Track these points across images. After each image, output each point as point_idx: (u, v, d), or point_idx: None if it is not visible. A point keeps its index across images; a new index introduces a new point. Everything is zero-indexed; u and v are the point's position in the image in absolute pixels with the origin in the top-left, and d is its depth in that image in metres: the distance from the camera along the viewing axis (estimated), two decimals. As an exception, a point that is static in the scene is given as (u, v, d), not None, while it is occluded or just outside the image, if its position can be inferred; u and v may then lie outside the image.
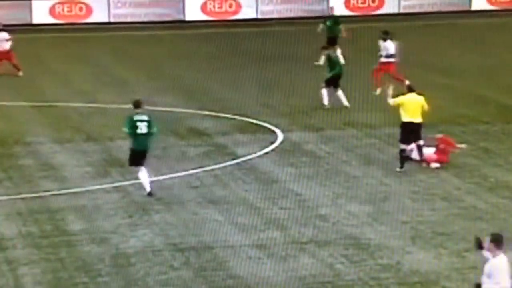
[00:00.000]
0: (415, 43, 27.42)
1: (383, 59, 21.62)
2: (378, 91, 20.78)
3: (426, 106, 15.84)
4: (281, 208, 14.09)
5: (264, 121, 19.41)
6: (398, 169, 15.63)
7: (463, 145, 16.46)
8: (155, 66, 26.21)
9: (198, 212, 14.00)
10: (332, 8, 27.56)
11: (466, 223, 13.31)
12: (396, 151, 16.13)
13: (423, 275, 11.60)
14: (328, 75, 20.35)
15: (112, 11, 33.71)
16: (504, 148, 17.17)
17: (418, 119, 15.73)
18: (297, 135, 18.44)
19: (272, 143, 17.82)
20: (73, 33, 32.27)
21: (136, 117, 14.75)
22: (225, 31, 31.62)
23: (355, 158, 16.71)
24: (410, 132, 15.64)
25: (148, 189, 14.59)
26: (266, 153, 17.17)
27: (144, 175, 14.61)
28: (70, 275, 11.73)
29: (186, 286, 11.41)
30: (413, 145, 15.91)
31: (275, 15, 33.77)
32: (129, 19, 33.56)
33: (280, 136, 18.31)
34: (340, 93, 20.23)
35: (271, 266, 11.90)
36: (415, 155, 15.99)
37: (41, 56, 28.05)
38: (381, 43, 21.73)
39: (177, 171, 16.04)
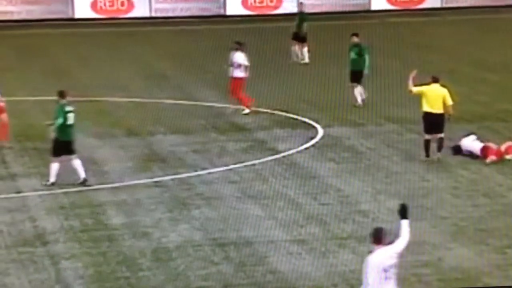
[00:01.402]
0: (458, 36, 27.16)
1: (236, 74, 19.36)
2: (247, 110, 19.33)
3: (448, 100, 15.77)
4: (321, 204, 14.15)
5: (304, 116, 19.46)
6: (423, 158, 15.67)
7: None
8: (195, 60, 26.41)
9: (238, 207, 14.13)
10: (302, 4, 26.48)
11: (509, 220, 13.20)
12: (435, 146, 16.12)
13: (464, 272, 11.56)
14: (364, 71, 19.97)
15: (154, 5, 34.02)
16: (547, 144, 16.95)
17: (438, 110, 15.75)
18: (337, 130, 18.44)
19: (312, 138, 17.86)
20: (114, 28, 32.65)
21: (66, 108, 15.01)
22: (266, 25, 31.69)
23: (396, 154, 16.67)
24: (431, 122, 15.72)
25: (83, 175, 14.89)
26: (306, 148, 17.22)
27: (78, 163, 14.95)
28: (112, 269, 11.94)
29: (226, 281, 11.54)
30: (468, 142, 15.96)
31: (316, 10, 33.73)
32: (170, 14, 33.86)
33: (320, 131, 18.34)
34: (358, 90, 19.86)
35: (311, 262, 11.97)
36: (472, 149, 15.98)
37: (82, 51, 28.46)
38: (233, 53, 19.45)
39: (217, 166, 16.18)
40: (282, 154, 16.81)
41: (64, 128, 15.08)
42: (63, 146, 15.10)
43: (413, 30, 30.12)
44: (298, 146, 17.27)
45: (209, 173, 15.85)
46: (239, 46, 19.99)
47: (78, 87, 23.18)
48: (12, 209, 14.24)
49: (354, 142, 17.63)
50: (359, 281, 11.45)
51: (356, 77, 20.02)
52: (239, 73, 19.81)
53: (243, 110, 19.79)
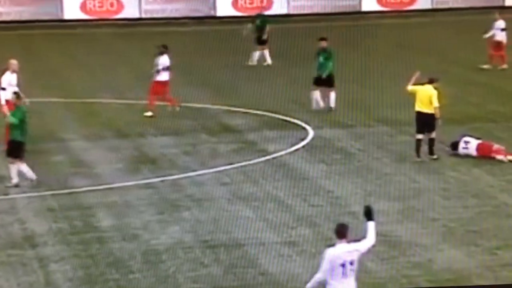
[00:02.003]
0: (448, 39, 27.28)
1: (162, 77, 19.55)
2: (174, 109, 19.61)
3: (434, 101, 15.94)
4: (312, 205, 14.17)
5: (295, 118, 19.49)
6: (415, 159, 15.80)
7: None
8: (186, 62, 26.41)
9: (228, 209, 14.14)
10: (262, 7, 26.78)
11: (499, 221, 13.27)
12: (427, 148, 16.19)
13: (455, 273, 11.61)
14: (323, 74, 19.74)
15: (144, 6, 34.00)
16: (537, 145, 17.06)
17: (428, 110, 15.93)
18: (328, 132, 18.49)
19: (302, 139, 17.89)
20: (104, 29, 32.61)
21: (23, 109, 15.17)
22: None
23: (386, 155, 16.72)
24: (422, 122, 15.97)
25: (33, 176, 14.95)
26: (297, 149, 17.25)
27: (25, 166, 15.04)
28: (101, 271, 11.92)
29: (216, 283, 11.55)
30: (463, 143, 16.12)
31: (307, 11, 33.80)
32: (160, 15, 33.84)
33: (311, 133, 18.37)
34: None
35: (301, 263, 11.99)
36: (469, 151, 16.09)
37: (72, 52, 28.41)
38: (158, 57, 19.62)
39: (208, 168, 16.19)
40: (272, 156, 16.84)
41: (22, 129, 15.11)
42: (22, 147, 15.11)
43: (404, 32, 30.22)
44: (289, 148, 17.30)
45: (200, 174, 15.85)
46: (165, 49, 20.23)
47: (67, 88, 23.16)
48: (0, 211, 14.20)
49: (344, 143, 17.67)
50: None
51: (323, 81, 19.87)
52: (165, 76, 20.03)
53: (147, 112, 19.75)
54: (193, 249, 12.57)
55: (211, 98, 21.53)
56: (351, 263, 9.10)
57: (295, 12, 34.13)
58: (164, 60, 20.13)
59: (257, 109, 20.34)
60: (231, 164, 16.36)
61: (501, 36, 23.74)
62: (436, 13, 33.54)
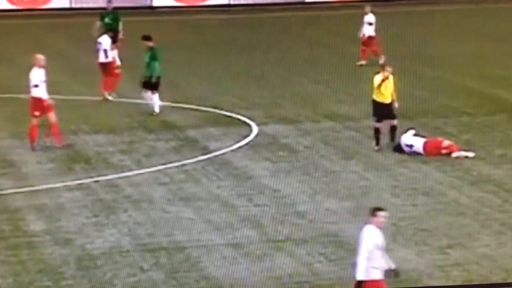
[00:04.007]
0: (396, 31, 27.68)
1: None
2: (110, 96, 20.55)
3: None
4: (257, 205, 14.21)
5: (238, 114, 19.51)
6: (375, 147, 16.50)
7: (470, 153, 16.37)
8: (122, 55, 26.16)
9: (169, 210, 14.07)
10: (111, 2, 24.88)
11: (449, 219, 13.52)
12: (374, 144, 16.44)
13: (405, 273, 11.77)
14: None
15: (74, -4, 33.57)
16: (487, 141, 17.45)
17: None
18: (272, 128, 18.56)
19: (246, 136, 17.92)
20: (32, 20, 32.08)
21: None
22: (192, 18, 31.67)
23: (334, 152, 16.88)
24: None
25: None
26: (240, 147, 17.27)
27: None
28: (32, 278, 11.74)
29: (156, 289, 11.49)
30: (408, 138, 16.44)
31: (244, 1, 33.81)
32: (91, 5, 33.42)
33: (255, 129, 18.42)
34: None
35: (246, 266, 12.01)
36: (415, 149, 16.40)
37: (-2, 45, 27.88)
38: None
39: (146, 167, 16.08)
40: (214, 154, 16.82)
41: None
42: None
43: (346, 24, 30.53)
44: (232, 145, 17.31)
45: (137, 174, 15.73)
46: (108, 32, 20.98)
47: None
48: None
49: (290, 140, 17.77)
50: (297, 285, 11.58)
51: (150, 83, 19.55)
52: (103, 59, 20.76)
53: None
54: (131, 253, 12.47)
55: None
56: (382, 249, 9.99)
57: (235, 2, 34.14)
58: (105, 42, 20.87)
59: (198, 105, 20.29)
60: (170, 162, 16.28)
61: (369, 31, 24.20)
62: (376, 3, 33.98)
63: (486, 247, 12.42)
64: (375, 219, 9.92)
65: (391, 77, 16.83)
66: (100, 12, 24.61)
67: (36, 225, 13.49)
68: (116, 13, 24.25)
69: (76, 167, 16.17)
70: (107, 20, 23.94)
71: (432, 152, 16.42)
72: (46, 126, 17.34)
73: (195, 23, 30.36)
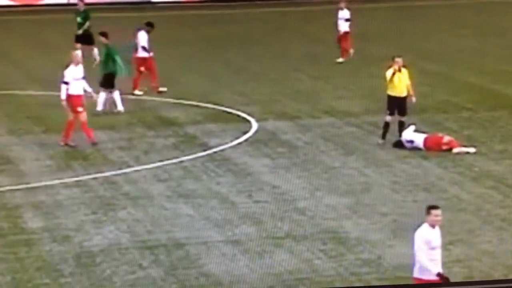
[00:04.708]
0: (395, 26, 27.67)
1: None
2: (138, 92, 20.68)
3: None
4: (256, 202, 14.22)
5: (237, 110, 19.52)
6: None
7: (471, 149, 16.40)
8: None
9: (168, 207, 14.08)
10: (80, 2, 24.83)
11: (450, 215, 13.52)
12: (376, 140, 16.41)
13: (406, 270, 11.77)
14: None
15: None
16: (488, 136, 17.46)
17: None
18: (272, 124, 18.57)
19: (245, 132, 17.93)
20: (29, 16, 32.07)
21: None
22: (191, 13, 31.64)
23: (334, 148, 16.89)
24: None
25: None
26: (240, 143, 17.28)
27: None
28: (30, 276, 11.75)
29: (155, 286, 11.49)
30: (409, 133, 16.50)
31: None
32: (89, 0, 33.38)
33: (255, 125, 18.43)
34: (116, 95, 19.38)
35: (246, 263, 12.03)
36: (416, 145, 16.41)
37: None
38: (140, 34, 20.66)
39: (145, 164, 16.09)
40: (214, 150, 16.83)
41: None
42: None
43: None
44: (231, 141, 17.31)
45: (136, 171, 15.74)
46: (146, 27, 21.14)
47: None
48: None
49: (290, 136, 17.77)
50: (297, 282, 11.60)
51: (106, 80, 19.42)
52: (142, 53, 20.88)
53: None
54: (130, 251, 12.48)
55: (148, 89, 21.38)
56: (437, 248, 9.97)
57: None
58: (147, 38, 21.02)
59: (198, 101, 20.30)
60: (169, 159, 16.29)
61: (345, 27, 24.19)
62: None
63: (488, 243, 12.44)
64: (429, 218, 9.78)
65: (404, 70, 16.74)
66: (75, 11, 24.70)
67: (34, 222, 13.50)
68: (87, 11, 24.34)
69: (75, 164, 16.18)
70: (78, 19, 24.03)
71: (433, 148, 16.43)
72: (68, 124, 17.13)
73: (194, 19, 30.34)
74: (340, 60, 23.74)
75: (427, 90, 20.44)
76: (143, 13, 32.22)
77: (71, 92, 17.11)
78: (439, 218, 9.82)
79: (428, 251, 9.72)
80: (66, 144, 17.04)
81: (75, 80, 17.14)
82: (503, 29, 28.15)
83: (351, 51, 23.91)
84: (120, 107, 19.47)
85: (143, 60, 21.21)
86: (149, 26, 21.35)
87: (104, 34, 20.06)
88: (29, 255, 12.36)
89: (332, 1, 32.41)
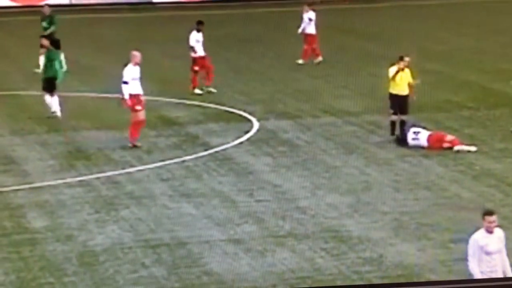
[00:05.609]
0: (389, 26, 27.71)
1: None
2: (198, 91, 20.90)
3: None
4: (258, 201, 14.26)
5: (239, 109, 19.56)
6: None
7: (472, 147, 16.44)
8: (122, 51, 26.19)
9: (170, 206, 14.12)
10: (46, 6, 24.85)
11: (451, 213, 13.57)
12: (377, 139, 16.44)
13: (407, 268, 11.84)
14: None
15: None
16: (489, 135, 17.49)
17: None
18: (273, 124, 18.61)
19: (247, 132, 17.97)
20: (32, 16, 32.10)
21: None
22: (193, 13, 31.67)
23: (334, 147, 16.93)
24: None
25: None
26: (241, 142, 17.32)
27: None
28: (34, 275, 11.80)
29: (158, 285, 11.54)
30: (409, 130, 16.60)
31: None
32: (92, 1, 33.45)
33: (256, 125, 18.47)
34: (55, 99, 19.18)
35: (248, 262, 12.07)
36: (420, 142, 16.46)
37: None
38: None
39: (147, 163, 16.13)
40: (215, 149, 16.87)
41: None
42: None
43: (346, 18, 30.57)
44: (233, 141, 17.36)
45: (138, 170, 15.78)
46: (200, 25, 21.44)
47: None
48: None
49: (291, 135, 17.81)
50: (299, 280, 11.64)
51: (48, 84, 19.21)
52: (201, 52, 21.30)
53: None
54: (133, 250, 12.53)
55: (151, 89, 21.41)
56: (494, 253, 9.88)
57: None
58: (198, 37, 21.29)
59: (200, 101, 20.34)
60: (171, 159, 16.33)
61: (310, 29, 24.21)
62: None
63: (488, 241, 12.46)
64: (484, 223, 9.78)
65: (407, 69, 16.86)
66: (40, 16, 24.71)
67: (37, 222, 13.55)
68: (52, 16, 24.36)
69: (78, 164, 16.22)
70: (44, 24, 24.00)
71: (435, 145, 16.47)
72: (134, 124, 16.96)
73: (194, 19, 30.39)
74: (301, 61, 23.74)
75: (427, 89, 20.46)
76: (144, 14, 32.26)
77: (130, 91, 17.03)
78: (493, 224, 9.77)
79: (482, 255, 9.66)
80: (134, 146, 16.97)
81: (133, 80, 17.06)
82: (503, 28, 28.18)
83: (320, 58, 23.87)
84: (56, 108, 19.14)
85: (193, 60, 21.19)
86: (199, 25, 21.40)
87: (47, 38, 20.21)
88: (33, 254, 12.41)
89: (332, 1, 32.41)
